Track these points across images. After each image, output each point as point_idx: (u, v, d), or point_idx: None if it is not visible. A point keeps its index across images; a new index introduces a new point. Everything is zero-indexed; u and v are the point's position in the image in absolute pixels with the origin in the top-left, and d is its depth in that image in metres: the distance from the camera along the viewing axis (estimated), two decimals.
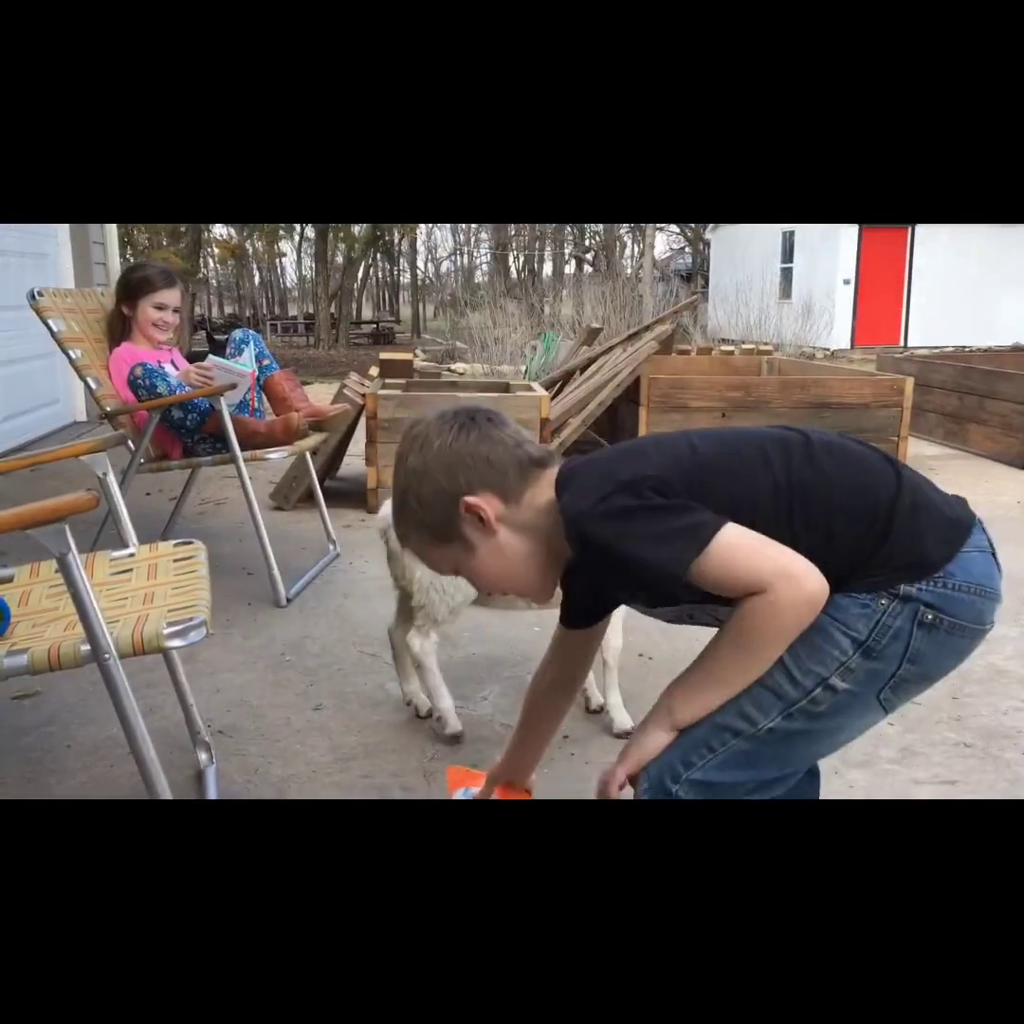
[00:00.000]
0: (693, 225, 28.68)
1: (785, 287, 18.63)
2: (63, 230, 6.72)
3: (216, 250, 26.26)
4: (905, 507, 1.23)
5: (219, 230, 24.27)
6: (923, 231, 17.32)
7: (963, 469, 5.80)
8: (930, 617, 1.21)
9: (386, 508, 2.06)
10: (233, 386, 3.24)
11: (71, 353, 3.21)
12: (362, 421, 4.61)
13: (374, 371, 5.56)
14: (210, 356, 3.50)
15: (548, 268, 33.80)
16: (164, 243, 21.25)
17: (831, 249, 17.50)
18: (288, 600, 3.24)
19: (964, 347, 15.00)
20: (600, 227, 21.59)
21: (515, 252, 33.95)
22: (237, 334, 3.70)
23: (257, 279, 37.81)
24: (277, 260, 33.92)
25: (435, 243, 42.80)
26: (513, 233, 32.06)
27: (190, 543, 2.06)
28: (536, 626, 2.85)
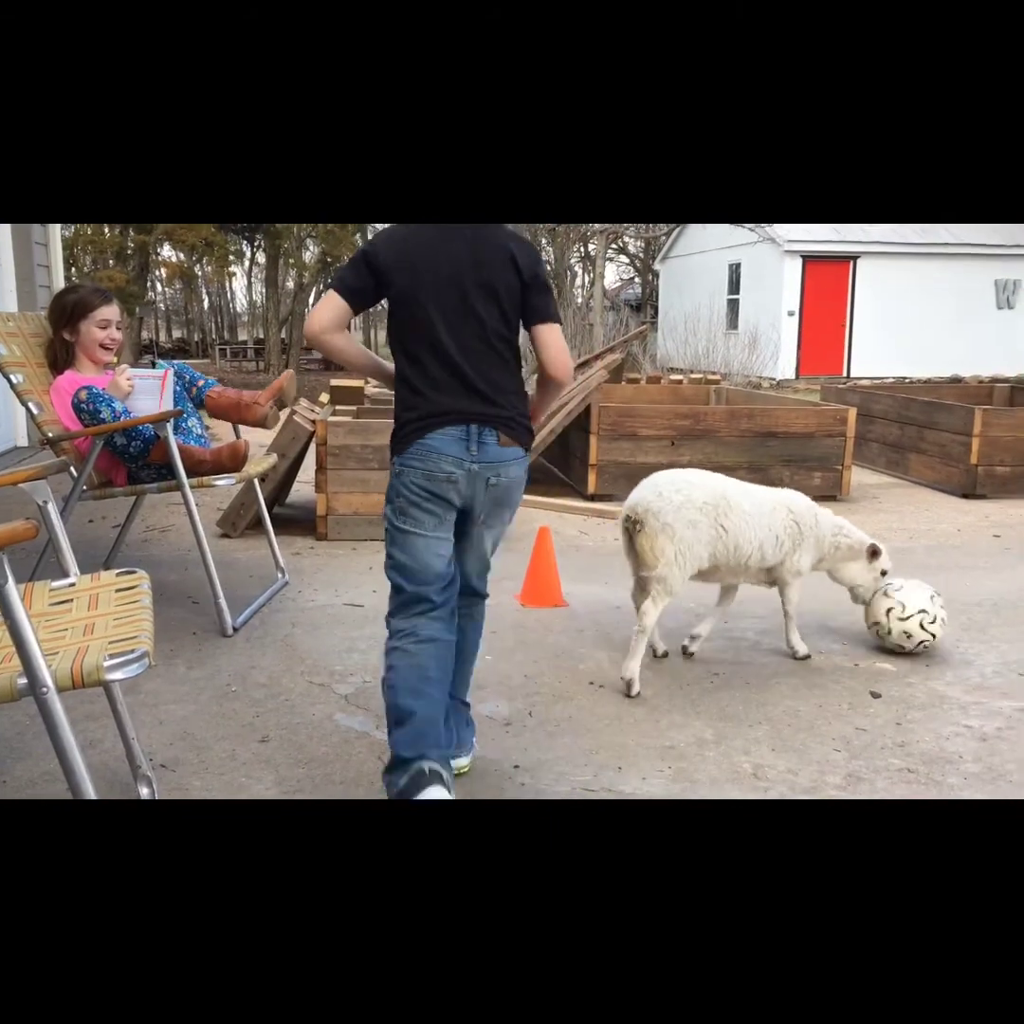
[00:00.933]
0: (641, 256, 29.14)
1: (732, 318, 18.97)
2: (6, 251, 6.60)
3: (164, 272, 25.98)
4: None
5: (168, 252, 23.98)
6: (865, 264, 17.80)
7: (905, 497, 5.93)
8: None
9: (640, 494, 2.75)
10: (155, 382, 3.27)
11: (12, 377, 3.14)
12: (312, 448, 4.58)
13: (324, 398, 5.54)
14: (121, 365, 3.44)
15: None
16: (110, 264, 20.94)
17: (776, 281, 17.88)
18: (234, 629, 3.18)
19: (905, 378, 15.40)
20: (551, 255, 21.81)
21: None
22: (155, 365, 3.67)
23: (206, 303, 37.49)
24: (227, 283, 33.69)
25: None
26: None
27: (133, 572, 2.02)
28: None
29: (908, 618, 2.99)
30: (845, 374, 17.90)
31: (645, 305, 27.89)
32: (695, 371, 12.28)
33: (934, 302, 17.86)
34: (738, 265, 19.39)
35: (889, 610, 3.02)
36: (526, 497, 2.49)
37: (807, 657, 3.04)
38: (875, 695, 2.78)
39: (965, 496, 5.87)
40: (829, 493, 5.73)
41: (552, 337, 2.04)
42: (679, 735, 2.51)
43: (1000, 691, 2.81)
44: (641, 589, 2.79)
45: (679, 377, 8.51)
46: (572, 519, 5.12)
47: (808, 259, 17.67)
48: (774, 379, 16.75)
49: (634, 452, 5.62)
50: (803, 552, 2.92)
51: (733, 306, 19.44)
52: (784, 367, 17.63)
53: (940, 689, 2.83)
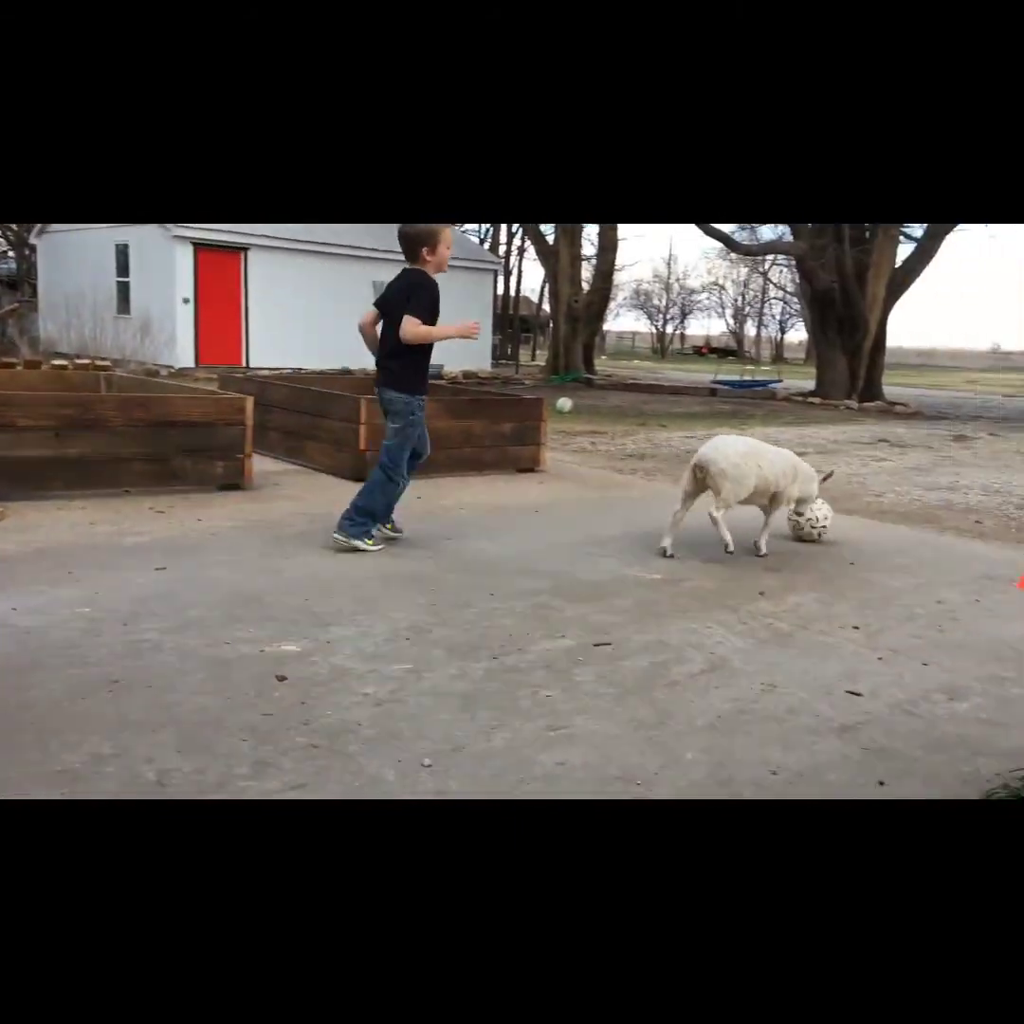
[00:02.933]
0: (15, 227, 26.08)
1: (123, 301, 17.99)
2: None
3: None
4: None
5: None
6: (255, 256, 18.18)
7: (305, 483, 6.19)
8: None
9: (707, 449, 4.54)
10: None
11: None
12: None
13: None
14: None
15: None
16: None
17: (167, 266, 17.37)
18: None
19: (300, 369, 16.12)
20: None
21: None
22: None
23: None
24: None
25: None
26: None
27: None
28: None
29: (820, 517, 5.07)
30: (245, 364, 18.13)
31: (22, 282, 25.08)
32: (83, 356, 11.36)
33: (321, 298, 18.93)
34: (126, 246, 18.41)
35: (816, 515, 5.06)
36: None
37: (765, 555, 4.72)
38: (281, 678, 2.83)
39: (357, 479, 6.31)
40: (232, 482, 5.73)
41: None
42: (72, 756, 2.27)
43: (391, 657, 3.06)
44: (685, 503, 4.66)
45: (64, 362, 7.79)
46: None
47: (199, 247, 17.48)
48: (173, 366, 16.30)
49: (12, 445, 4.99)
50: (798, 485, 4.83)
51: (123, 289, 18.43)
52: (183, 355, 17.26)
53: (341, 663, 2.99)
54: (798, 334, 50.83)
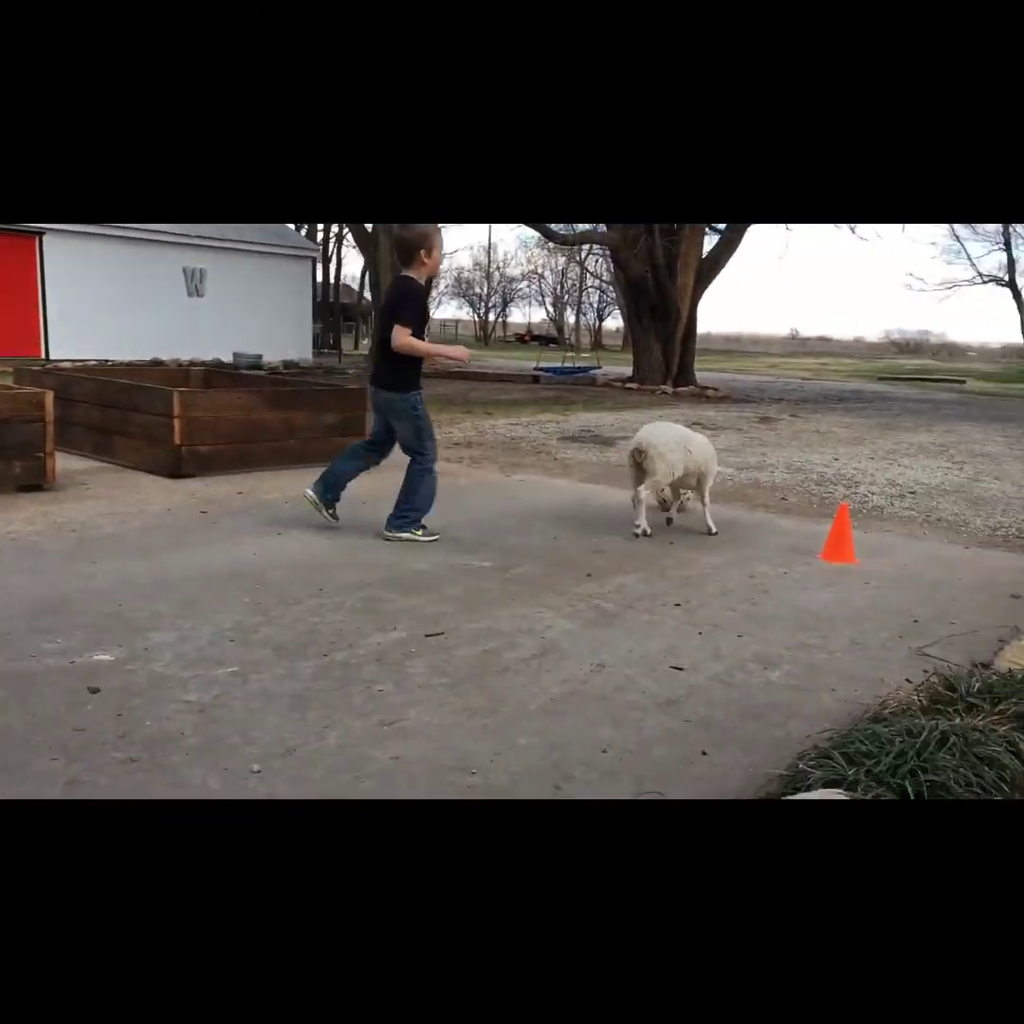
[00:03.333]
0: None
1: None
2: None
3: None
4: None
5: None
6: (52, 241, 16.99)
7: (115, 481, 5.84)
8: None
9: (644, 434, 4.94)
10: None
11: None
12: None
13: None
14: None
15: None
16: None
17: None
18: None
19: (107, 361, 15.22)
20: None
21: None
22: None
23: None
24: None
25: None
26: None
27: None
28: None
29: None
30: (44, 356, 16.94)
31: None
32: None
33: (129, 286, 17.97)
34: None
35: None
36: None
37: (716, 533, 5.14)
38: (93, 690, 2.66)
39: (172, 476, 6.03)
40: (33, 482, 5.34)
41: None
42: None
43: (215, 661, 2.93)
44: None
45: None
46: None
47: None
48: None
49: None
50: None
51: None
52: None
53: (160, 670, 2.84)
54: (616, 321, 52.52)
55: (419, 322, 4.52)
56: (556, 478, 6.91)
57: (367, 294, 32.21)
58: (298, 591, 3.69)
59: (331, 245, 37.55)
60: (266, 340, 19.65)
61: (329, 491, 4.77)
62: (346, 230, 34.52)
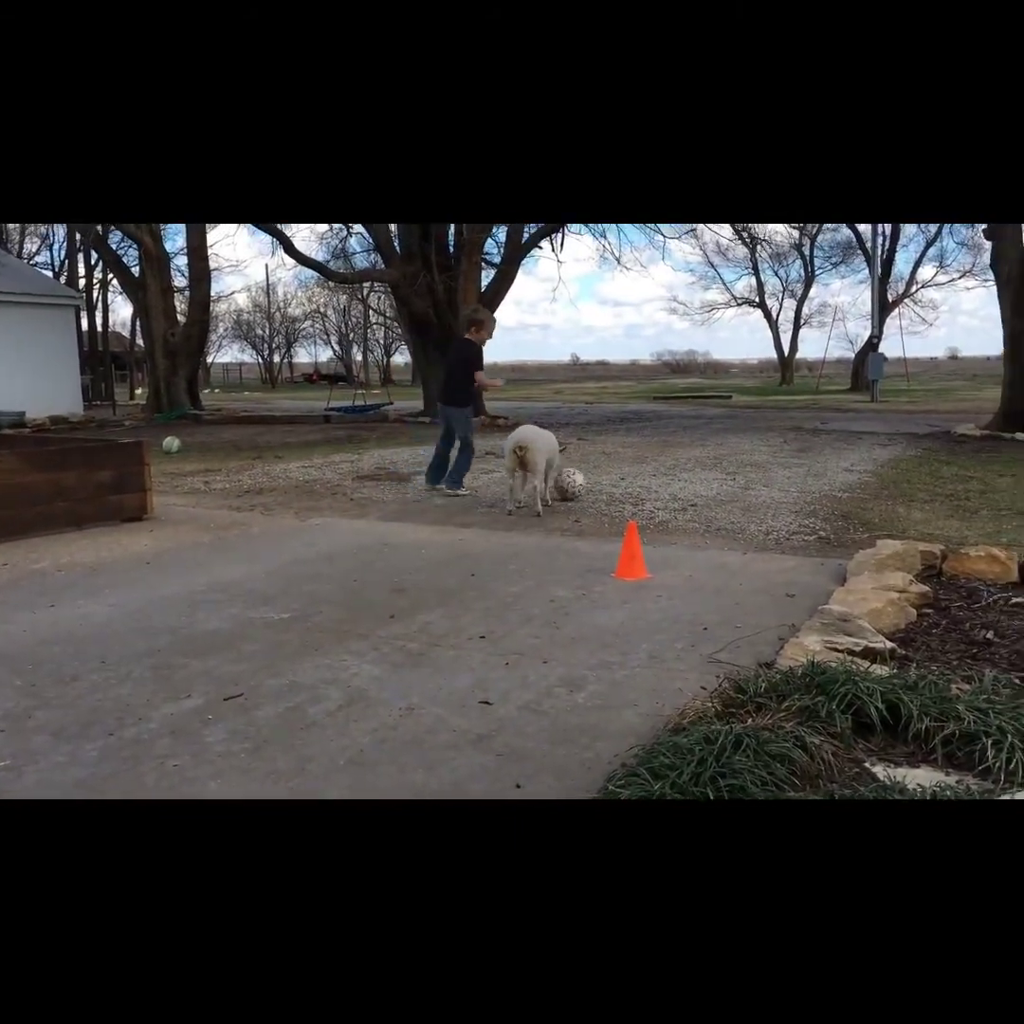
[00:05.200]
0: None
1: None
2: None
3: None
4: None
5: None
6: None
7: None
8: None
9: (520, 434, 6.66)
10: None
11: None
12: None
13: None
14: None
15: None
16: None
17: None
18: None
19: None
20: None
21: None
22: None
23: None
24: None
25: None
26: None
27: None
28: None
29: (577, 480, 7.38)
30: None
31: None
32: None
33: None
34: None
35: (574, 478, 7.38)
36: None
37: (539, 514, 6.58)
38: None
39: None
40: None
41: None
42: None
43: None
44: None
45: None
46: None
47: None
48: None
49: None
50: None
51: None
52: None
53: None
54: (404, 356, 52.76)
55: (481, 366, 7.68)
56: (354, 519, 6.81)
57: (140, 341, 30.68)
58: (77, 666, 3.41)
59: (95, 292, 35.62)
60: (29, 395, 18.29)
61: (438, 473, 7.74)
62: (110, 276, 32.84)
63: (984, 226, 15.13)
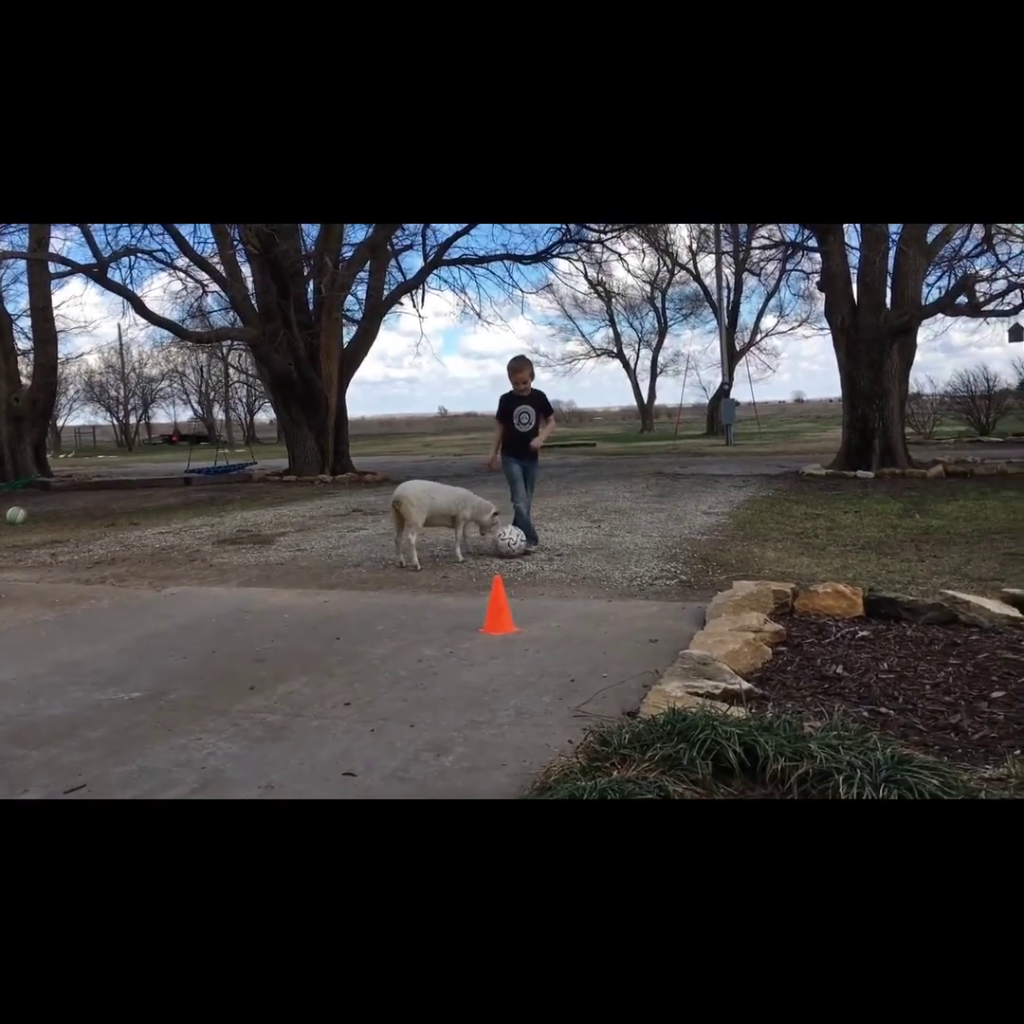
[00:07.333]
0: None
1: None
2: None
3: None
4: None
5: None
6: None
7: None
8: None
9: (399, 489, 6.98)
10: None
11: None
12: None
13: None
14: None
15: None
16: None
17: None
18: None
19: None
20: None
21: None
22: None
23: None
24: None
25: None
26: None
27: None
28: None
29: (513, 540, 7.17)
30: None
31: None
32: None
33: None
34: None
35: (502, 536, 7.19)
36: None
37: (463, 561, 6.96)
38: None
39: None
40: None
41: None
42: None
43: None
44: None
45: None
46: None
47: None
48: None
49: None
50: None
51: None
52: None
53: None
54: (268, 414, 51.79)
55: (499, 416, 7.58)
56: (212, 586, 6.56)
57: None
58: None
59: None
60: None
61: (531, 534, 7.49)
62: None
63: (818, 278, 16.09)
